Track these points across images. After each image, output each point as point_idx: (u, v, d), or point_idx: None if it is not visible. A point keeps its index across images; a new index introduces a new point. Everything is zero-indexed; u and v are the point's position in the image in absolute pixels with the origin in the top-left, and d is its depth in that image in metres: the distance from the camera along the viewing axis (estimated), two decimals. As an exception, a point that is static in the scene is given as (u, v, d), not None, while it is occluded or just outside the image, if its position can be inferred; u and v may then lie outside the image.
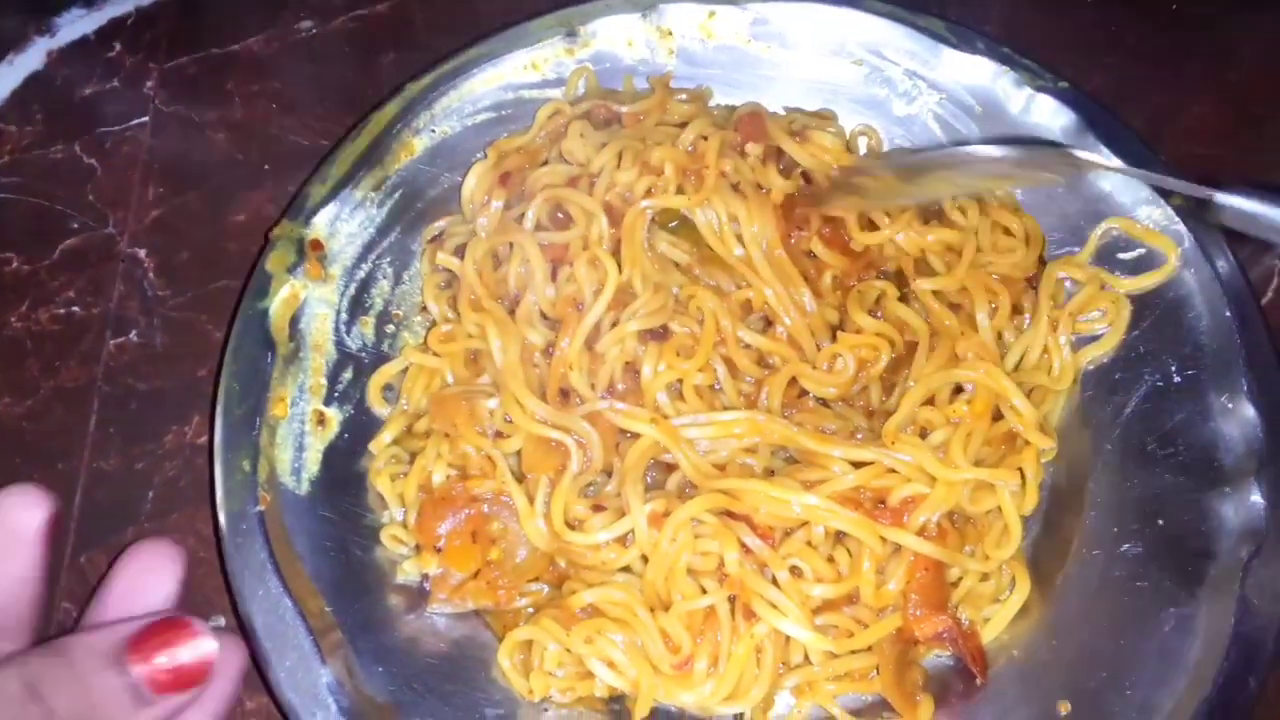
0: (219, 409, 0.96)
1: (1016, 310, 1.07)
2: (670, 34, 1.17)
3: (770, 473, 0.97)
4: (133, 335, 1.14)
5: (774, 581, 0.91)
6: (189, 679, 0.64)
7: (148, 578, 0.71)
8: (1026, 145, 1.08)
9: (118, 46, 1.31)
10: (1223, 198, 0.91)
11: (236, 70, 1.29)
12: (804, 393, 1.02)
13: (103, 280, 1.16)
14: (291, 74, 1.28)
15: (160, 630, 0.64)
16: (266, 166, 1.23)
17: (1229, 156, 1.26)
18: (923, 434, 0.99)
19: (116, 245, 1.18)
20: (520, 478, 0.96)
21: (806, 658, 0.94)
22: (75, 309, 1.15)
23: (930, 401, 1.00)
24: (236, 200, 1.21)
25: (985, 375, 0.99)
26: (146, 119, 1.26)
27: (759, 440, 0.97)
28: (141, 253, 1.18)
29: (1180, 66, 1.32)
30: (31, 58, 1.29)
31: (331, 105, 1.26)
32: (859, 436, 1.00)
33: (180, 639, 0.64)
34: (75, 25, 1.32)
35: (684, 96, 1.13)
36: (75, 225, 1.19)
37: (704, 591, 0.91)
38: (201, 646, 0.64)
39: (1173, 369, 1.02)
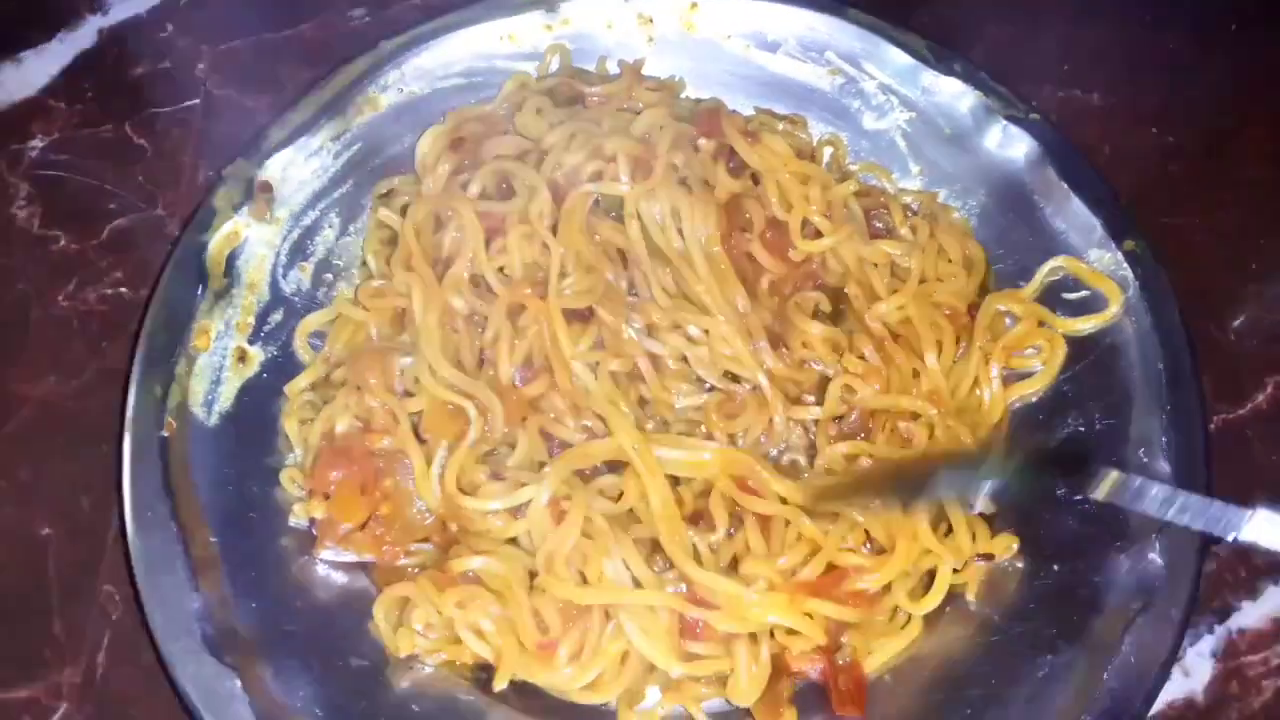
0: (142, 334, 0.98)
1: (956, 341, 1.06)
2: (651, 21, 1.17)
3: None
4: (179, 317, 1.11)
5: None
6: None
7: None
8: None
9: (170, 27, 1.30)
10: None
11: (289, 56, 1.28)
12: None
13: (151, 262, 1.11)
14: (344, 62, 1.17)
15: None
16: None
17: (1283, 180, 1.26)
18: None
19: (165, 227, 1.17)
20: (423, 439, 0.96)
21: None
22: (123, 290, 1.14)
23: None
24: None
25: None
26: (198, 101, 1.25)
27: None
28: (191, 236, 1.16)
29: (1237, 89, 1.31)
30: (83, 35, 1.29)
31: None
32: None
33: None
34: (128, 3, 1.31)
35: (652, 85, 1.13)
36: (124, 206, 1.18)
37: (585, 582, 0.92)
38: None
39: (1096, 416, 1.01)
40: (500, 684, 0.90)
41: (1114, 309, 1.03)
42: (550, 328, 0.98)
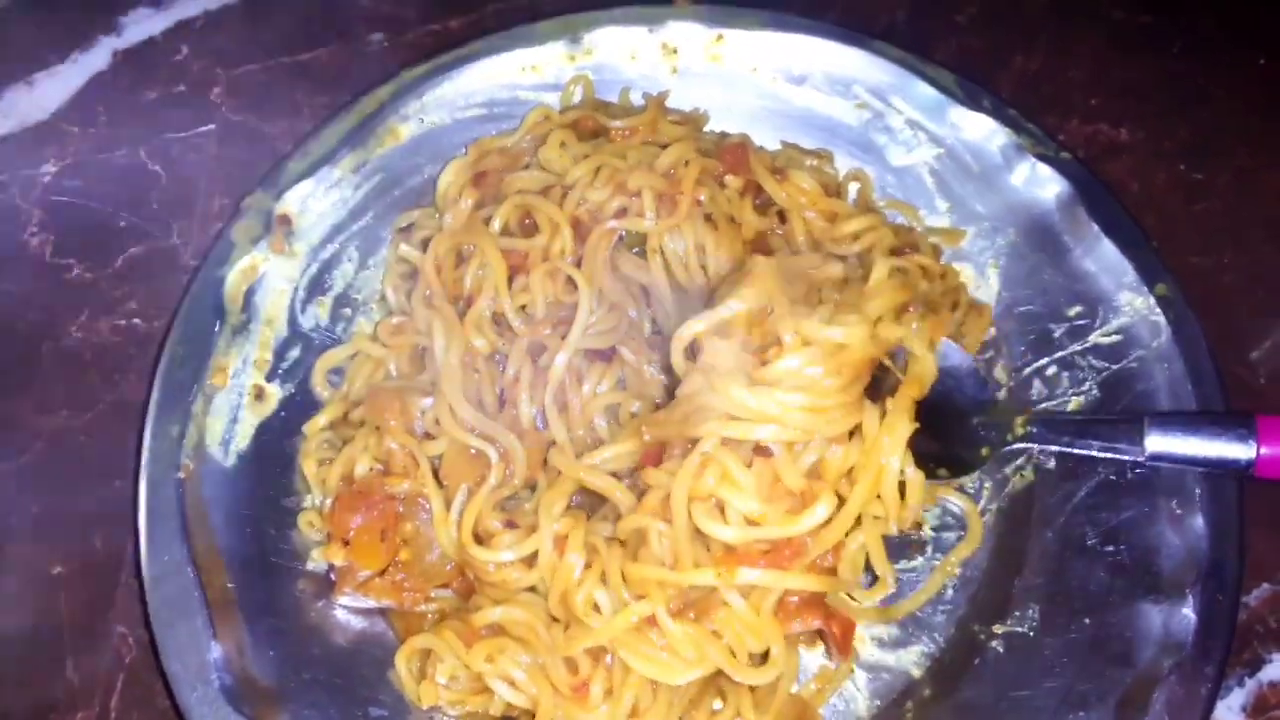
0: (159, 371, 0.96)
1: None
2: (676, 52, 1.15)
3: None
4: (195, 350, 1.09)
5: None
6: None
7: None
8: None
9: (185, 49, 1.27)
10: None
11: (306, 81, 1.26)
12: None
13: (165, 292, 1.11)
14: (362, 88, 1.14)
15: None
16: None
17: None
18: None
19: (180, 256, 1.15)
20: (443, 483, 0.95)
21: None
22: (137, 320, 1.12)
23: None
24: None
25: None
26: (213, 126, 1.23)
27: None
28: (206, 265, 1.14)
29: (1267, 124, 1.30)
30: (96, 57, 1.27)
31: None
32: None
33: None
34: (141, 25, 1.29)
35: (677, 118, 1.11)
36: (138, 234, 1.16)
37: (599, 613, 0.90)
38: None
39: (1128, 465, 0.99)
40: (539, 733, 0.88)
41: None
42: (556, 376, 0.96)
